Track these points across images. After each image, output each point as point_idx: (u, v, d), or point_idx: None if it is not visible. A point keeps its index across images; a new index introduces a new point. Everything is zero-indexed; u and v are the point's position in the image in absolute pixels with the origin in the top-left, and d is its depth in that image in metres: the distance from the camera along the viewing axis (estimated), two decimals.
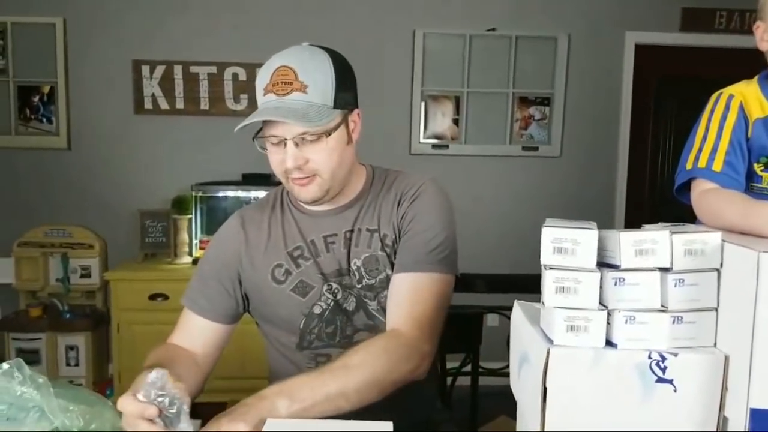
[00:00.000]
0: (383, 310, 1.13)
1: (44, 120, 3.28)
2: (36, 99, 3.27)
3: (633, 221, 3.36)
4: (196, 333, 1.15)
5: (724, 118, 1.03)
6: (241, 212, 1.22)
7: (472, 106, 3.44)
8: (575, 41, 3.41)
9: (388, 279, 1.13)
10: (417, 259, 1.10)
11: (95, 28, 3.24)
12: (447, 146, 3.44)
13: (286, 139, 1.04)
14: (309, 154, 1.05)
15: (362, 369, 0.97)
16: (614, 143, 3.50)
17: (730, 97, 1.04)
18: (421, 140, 3.43)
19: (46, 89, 3.26)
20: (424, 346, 1.05)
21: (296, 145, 1.04)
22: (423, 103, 3.42)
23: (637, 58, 3.44)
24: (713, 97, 1.07)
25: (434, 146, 3.44)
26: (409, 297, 1.08)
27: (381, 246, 1.14)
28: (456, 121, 3.45)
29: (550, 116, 3.46)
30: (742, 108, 1.02)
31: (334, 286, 1.13)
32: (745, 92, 1.04)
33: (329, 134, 1.05)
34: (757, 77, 1.08)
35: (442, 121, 3.45)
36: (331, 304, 1.13)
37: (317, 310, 1.13)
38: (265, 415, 0.87)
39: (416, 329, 1.05)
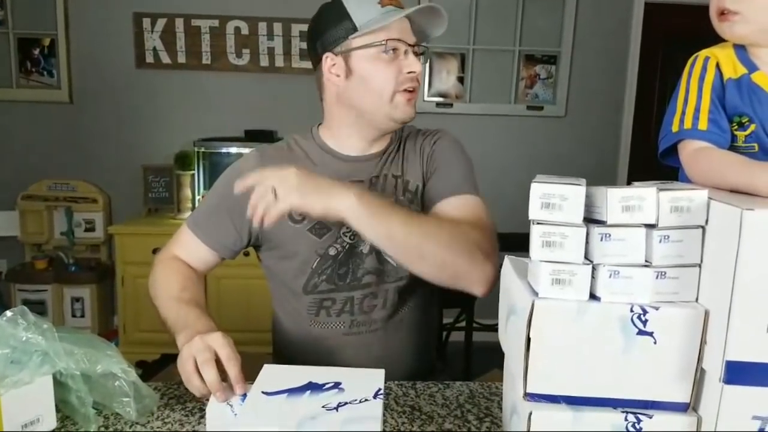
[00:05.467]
0: None
1: (45, 73, 3.25)
2: (36, 52, 3.24)
3: (637, 181, 3.34)
4: (196, 255, 1.20)
5: (702, 78, 1.05)
6: (260, 150, 1.22)
7: (477, 64, 3.40)
8: None
9: None
10: (457, 183, 1.14)
11: None
12: (451, 105, 3.41)
13: (409, 46, 1.11)
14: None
15: (450, 228, 1.01)
16: (620, 103, 3.46)
17: (707, 58, 1.07)
18: (426, 99, 3.39)
19: (47, 42, 3.22)
20: (492, 255, 1.03)
21: None
22: (428, 61, 3.36)
23: (646, 16, 3.36)
24: (690, 60, 1.10)
25: (438, 105, 3.41)
26: (464, 212, 1.09)
27: (403, 191, 1.16)
28: (461, 80, 3.41)
29: (556, 75, 3.41)
30: (718, 67, 1.05)
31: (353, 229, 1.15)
32: (719, 54, 1.06)
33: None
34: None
35: (446, 78, 3.41)
36: (347, 246, 1.14)
37: (332, 251, 1.15)
38: (334, 204, 0.94)
39: (480, 231, 1.04)
